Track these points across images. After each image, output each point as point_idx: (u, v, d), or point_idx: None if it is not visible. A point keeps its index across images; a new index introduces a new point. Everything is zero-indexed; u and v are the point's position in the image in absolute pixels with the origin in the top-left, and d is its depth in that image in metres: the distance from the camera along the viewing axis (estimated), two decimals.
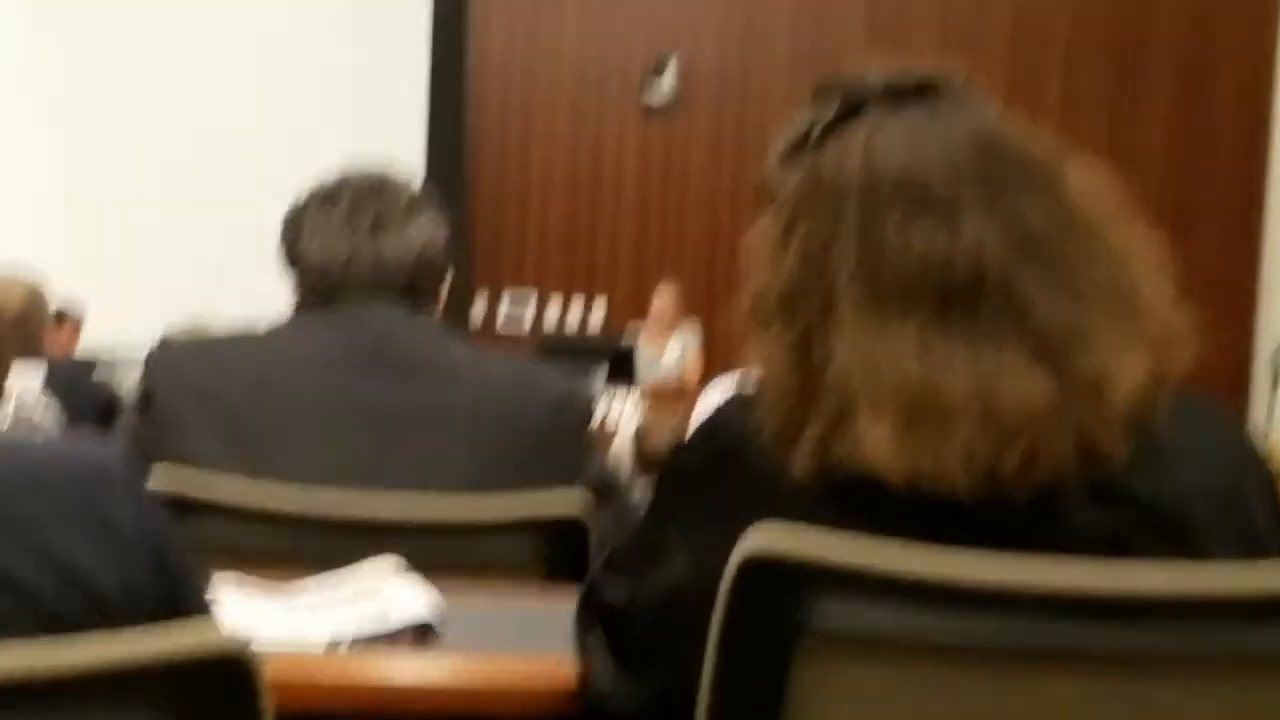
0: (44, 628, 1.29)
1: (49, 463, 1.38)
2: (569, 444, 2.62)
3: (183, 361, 2.58)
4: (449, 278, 2.79)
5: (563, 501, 2.45)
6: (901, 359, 1.55)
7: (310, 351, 2.56)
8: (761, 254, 1.68)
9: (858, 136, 1.67)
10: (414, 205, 2.71)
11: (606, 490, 2.64)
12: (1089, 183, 1.68)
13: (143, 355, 2.68)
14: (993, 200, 1.61)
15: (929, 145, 1.65)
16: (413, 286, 2.68)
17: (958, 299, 1.58)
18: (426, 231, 2.70)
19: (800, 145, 1.73)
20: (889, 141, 1.66)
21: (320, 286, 2.66)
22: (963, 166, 1.63)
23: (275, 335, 2.65)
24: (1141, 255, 1.66)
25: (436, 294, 2.76)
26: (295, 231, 2.70)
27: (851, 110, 1.70)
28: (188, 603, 1.42)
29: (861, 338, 1.57)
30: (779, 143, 1.77)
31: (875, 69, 1.74)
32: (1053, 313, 1.58)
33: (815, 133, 1.71)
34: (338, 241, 2.65)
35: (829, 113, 1.72)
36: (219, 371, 2.54)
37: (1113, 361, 1.57)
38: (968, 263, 1.58)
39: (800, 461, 1.55)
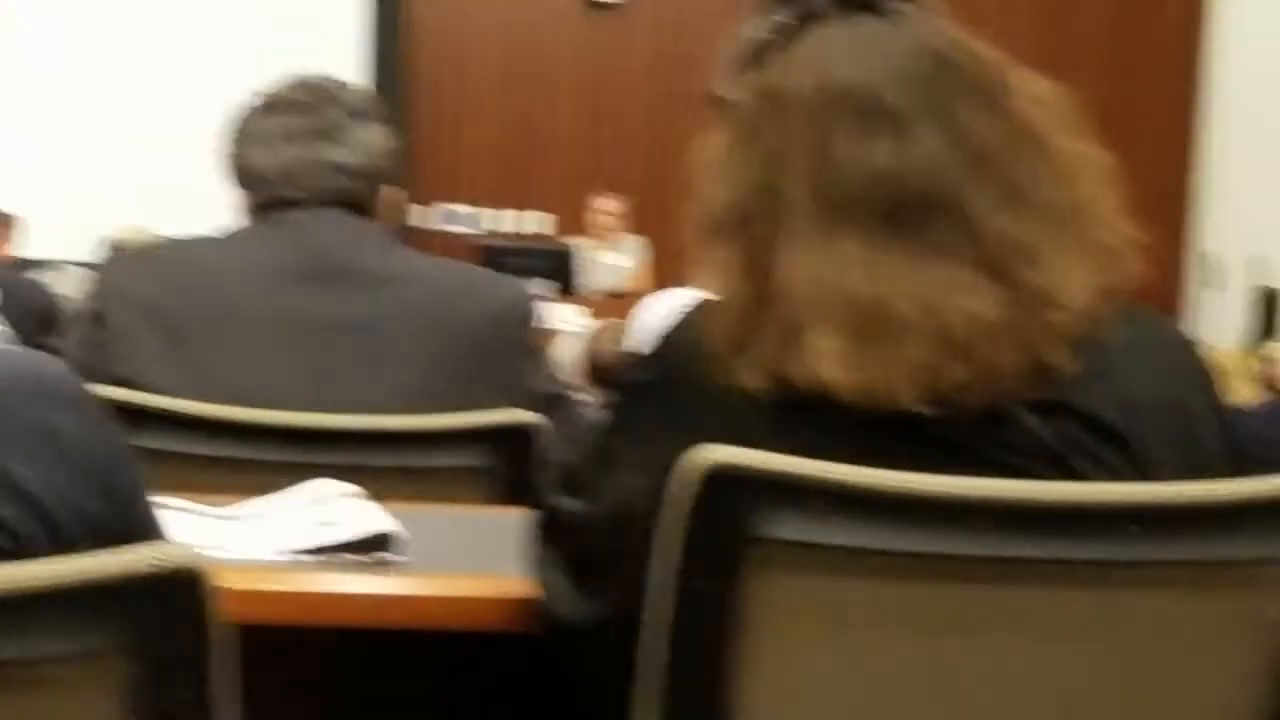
0: None
1: None
2: (513, 351, 2.62)
3: (129, 273, 2.57)
4: (396, 190, 2.76)
5: (509, 410, 2.45)
6: (850, 273, 1.56)
7: (256, 261, 2.55)
8: (711, 166, 1.68)
9: (809, 48, 1.67)
10: (361, 113, 2.69)
11: (553, 400, 2.63)
12: (1036, 96, 1.68)
13: (81, 261, 2.66)
14: (943, 115, 1.62)
15: (880, 58, 1.64)
16: (359, 195, 2.65)
17: (907, 213, 1.58)
18: (373, 139, 2.68)
19: (751, 56, 1.72)
20: (840, 53, 1.65)
21: (265, 195, 2.63)
22: (913, 80, 1.63)
23: (221, 245, 2.64)
24: (1088, 168, 1.67)
25: (383, 203, 2.73)
26: (240, 139, 2.67)
27: (803, 21, 1.69)
28: (136, 518, 1.41)
29: (810, 251, 1.58)
30: (729, 53, 1.76)
31: None
32: (1001, 228, 1.58)
33: (766, 44, 1.70)
34: (283, 149, 2.62)
35: (780, 23, 1.70)
36: (166, 284, 2.52)
37: (1061, 276, 1.58)
38: (917, 177, 1.59)
39: (751, 376, 1.55)
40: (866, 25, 1.68)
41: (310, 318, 2.49)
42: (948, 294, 1.54)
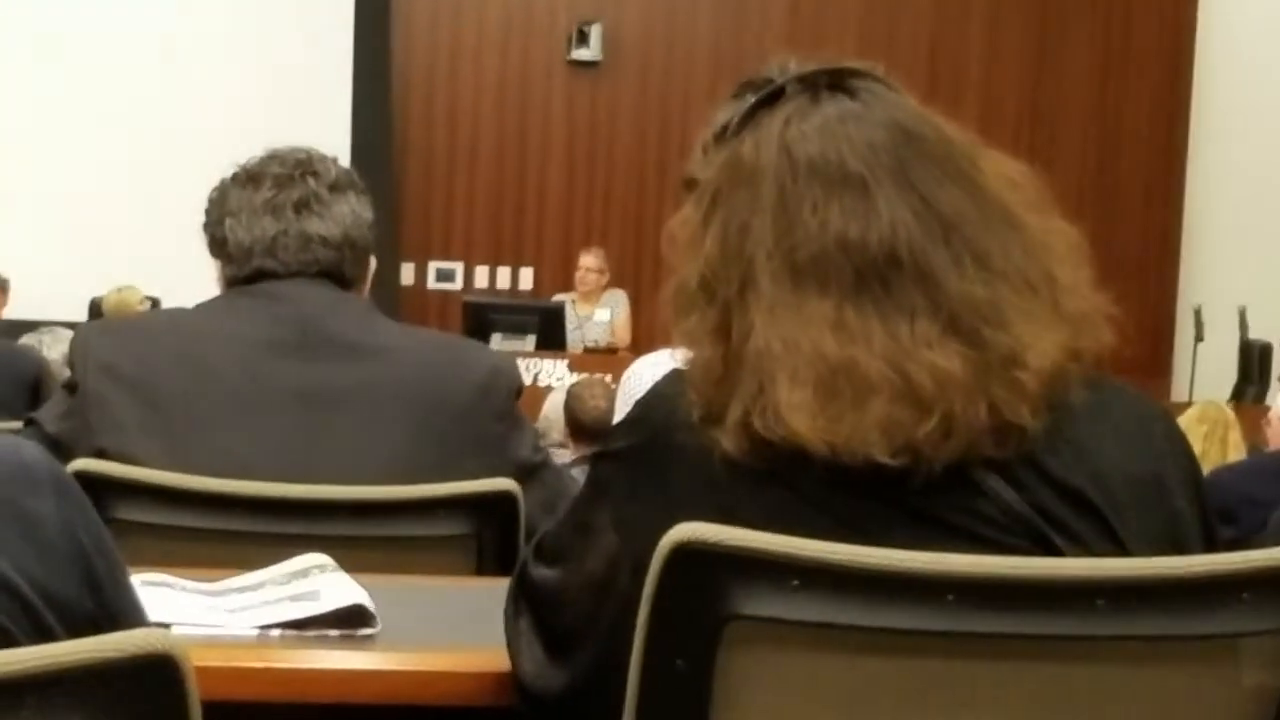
0: None
1: None
2: (496, 421, 2.62)
3: (109, 344, 2.57)
4: (373, 260, 2.78)
5: (493, 479, 2.46)
6: (819, 333, 1.58)
7: (236, 332, 2.56)
8: (683, 241, 1.71)
9: (775, 123, 1.70)
10: (339, 185, 2.70)
11: (534, 468, 2.64)
12: (1006, 172, 1.71)
13: (72, 321, 2.67)
14: (908, 183, 1.65)
15: (846, 131, 1.67)
16: (338, 267, 2.67)
17: (873, 276, 1.60)
18: (352, 211, 2.70)
19: (721, 136, 1.75)
20: (807, 127, 1.68)
21: (246, 267, 2.65)
22: (879, 151, 1.66)
23: (201, 315, 2.65)
24: (1058, 242, 1.69)
25: (363, 274, 2.75)
26: (220, 212, 2.69)
27: (770, 99, 1.72)
28: (115, 602, 1.42)
29: (780, 314, 1.60)
30: (702, 136, 1.79)
31: (795, 61, 1.77)
32: (965, 290, 1.61)
33: (734, 122, 1.73)
34: (263, 222, 2.64)
35: (749, 103, 1.73)
36: (145, 354, 2.53)
37: (1026, 337, 1.60)
38: (882, 242, 1.61)
39: (728, 439, 1.57)
40: (834, 103, 1.70)
41: (291, 388, 2.50)
42: (915, 351, 1.57)
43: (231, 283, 2.68)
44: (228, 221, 2.66)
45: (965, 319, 1.59)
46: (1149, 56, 12.24)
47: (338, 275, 2.66)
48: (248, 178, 2.69)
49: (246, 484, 2.36)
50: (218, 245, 2.69)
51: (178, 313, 2.70)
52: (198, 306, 2.67)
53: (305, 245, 2.63)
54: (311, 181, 2.67)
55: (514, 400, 2.68)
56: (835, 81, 1.73)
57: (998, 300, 1.61)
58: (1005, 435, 1.57)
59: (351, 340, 2.57)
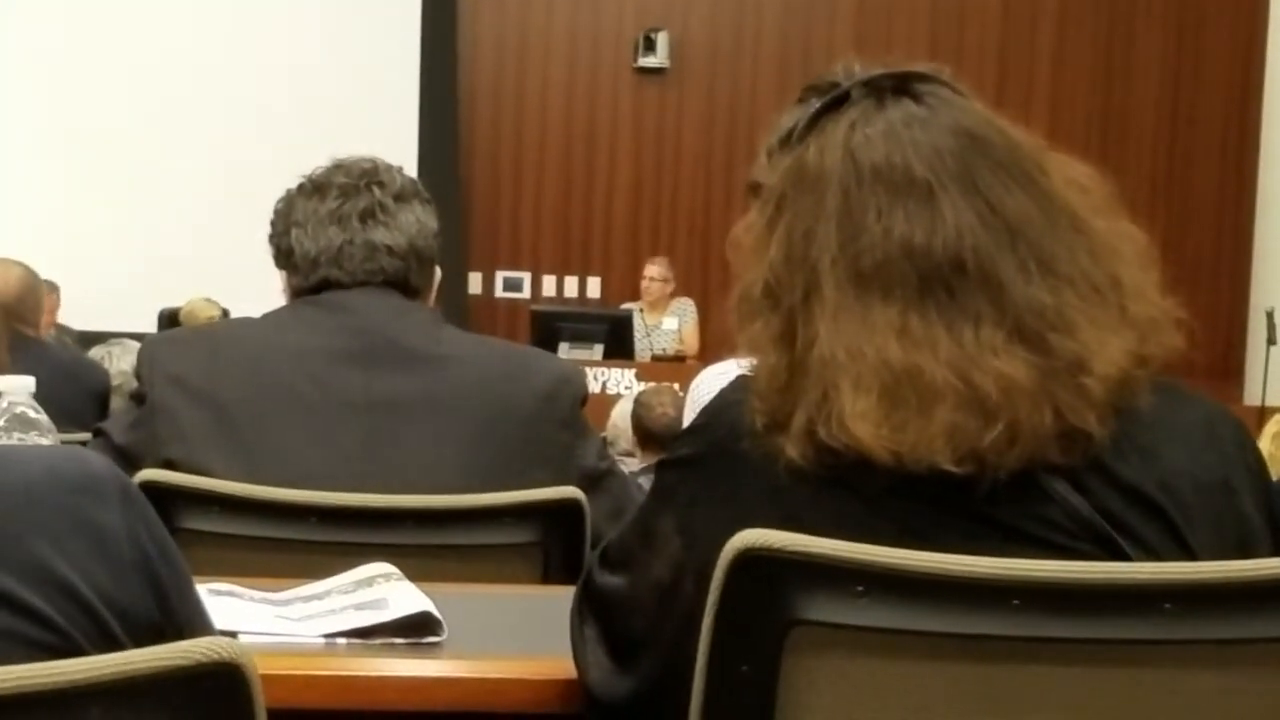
0: (39, 641, 1.30)
1: (37, 474, 1.38)
2: (562, 430, 2.63)
3: (176, 355, 2.59)
4: (438, 272, 2.79)
5: (560, 486, 2.47)
6: (883, 340, 1.58)
7: (302, 342, 2.57)
8: (748, 247, 1.70)
9: (840, 128, 1.69)
10: (404, 195, 2.72)
11: (600, 476, 2.64)
12: (1073, 176, 1.70)
13: (142, 333, 2.69)
14: (973, 188, 1.64)
15: (911, 136, 1.67)
16: (404, 276, 2.68)
17: (938, 282, 1.60)
18: (417, 221, 2.71)
19: (786, 141, 1.74)
20: (871, 132, 1.68)
21: (312, 277, 2.66)
22: (944, 155, 1.65)
23: (268, 325, 2.66)
24: (1126, 246, 1.68)
25: (428, 283, 2.76)
26: (286, 223, 2.70)
27: (835, 104, 1.72)
28: (181, 612, 1.43)
29: (844, 321, 1.60)
30: (767, 141, 1.79)
31: (859, 65, 1.76)
32: (1031, 296, 1.60)
33: (800, 127, 1.73)
34: (329, 232, 2.65)
35: (813, 108, 1.73)
36: (211, 365, 2.55)
37: (1092, 343, 1.59)
38: (947, 247, 1.61)
39: (792, 446, 1.57)
40: (899, 108, 1.70)
41: (358, 397, 2.51)
42: (980, 357, 1.56)
43: (298, 293, 2.70)
44: (294, 232, 2.68)
45: (1031, 325, 1.58)
46: (1220, 60, 12.14)
47: (403, 284, 2.68)
48: (313, 188, 2.71)
49: (313, 493, 2.37)
50: (284, 256, 2.71)
51: (244, 323, 2.72)
52: (264, 316, 2.69)
53: (371, 255, 2.64)
54: (377, 191, 2.69)
55: (579, 408, 2.69)
56: (900, 86, 1.72)
57: (1063, 306, 1.60)
58: (1071, 442, 1.56)
59: (417, 349, 2.59)
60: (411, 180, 2.77)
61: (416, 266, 2.69)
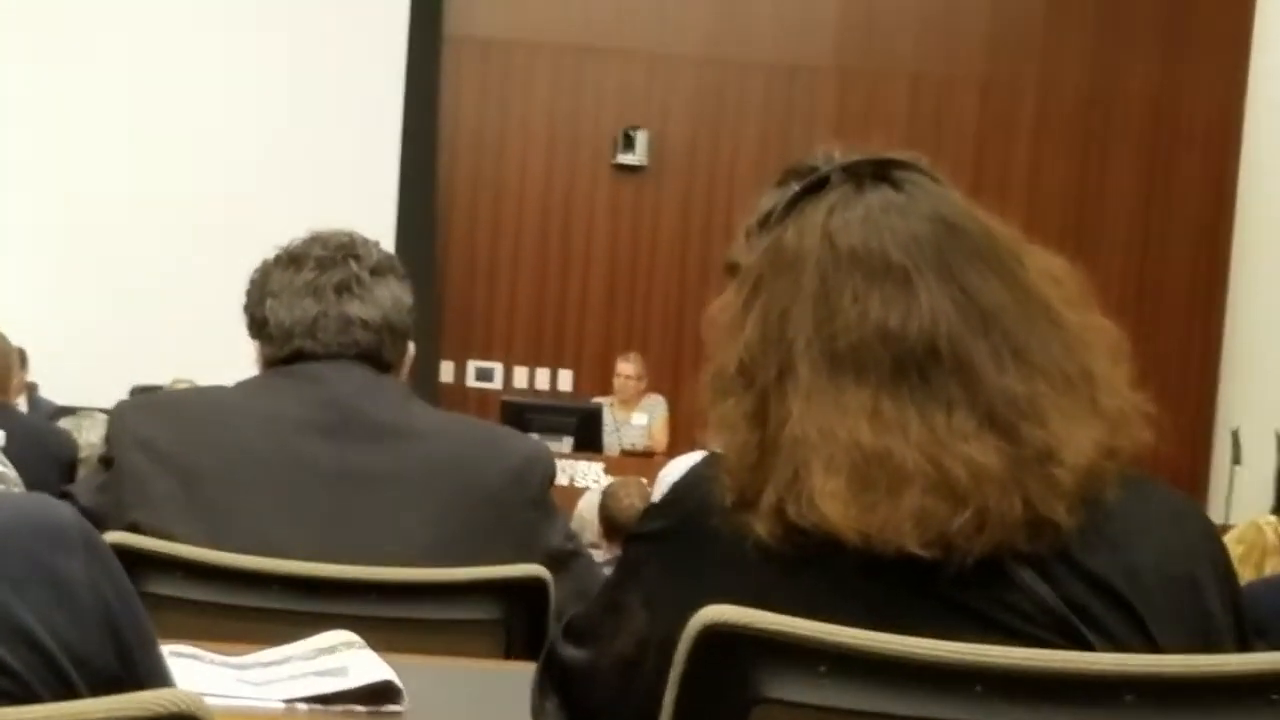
0: None
1: (2, 520, 1.38)
2: (530, 508, 2.62)
3: (145, 419, 2.58)
4: (412, 347, 2.79)
5: (524, 564, 2.46)
6: (855, 422, 1.59)
7: (273, 411, 2.57)
8: (723, 326, 1.71)
9: (819, 211, 1.71)
10: (380, 269, 2.72)
11: (566, 558, 2.63)
12: (1048, 268, 1.71)
13: (108, 408, 2.68)
14: (949, 275, 1.65)
15: (889, 222, 1.68)
16: (377, 350, 2.68)
17: (911, 366, 1.61)
18: (392, 295, 2.71)
19: (765, 222, 1.75)
20: (850, 216, 1.69)
21: (286, 348, 2.66)
22: (921, 242, 1.67)
23: (239, 394, 2.66)
24: (1098, 339, 1.69)
25: (401, 357, 2.76)
26: (261, 293, 2.70)
27: (815, 188, 1.73)
28: (142, 665, 1.42)
29: (817, 401, 1.61)
30: (747, 222, 1.80)
31: (839, 151, 1.77)
32: (1004, 384, 1.61)
33: (779, 209, 1.74)
34: (304, 304, 2.65)
35: (793, 190, 1.74)
36: (181, 431, 2.54)
37: (1062, 433, 1.59)
38: (922, 332, 1.62)
39: (761, 524, 1.57)
40: (878, 194, 1.71)
41: (326, 467, 2.51)
42: (951, 443, 1.57)
43: (270, 363, 2.70)
44: (269, 302, 2.68)
45: (1002, 413, 1.59)
46: (1192, 182, 12.24)
47: (376, 358, 2.67)
48: (290, 259, 2.71)
49: (278, 561, 2.36)
50: (258, 326, 2.70)
51: (215, 390, 2.71)
52: (236, 385, 2.69)
53: (345, 327, 2.64)
54: (353, 264, 2.69)
55: (548, 488, 2.69)
56: (880, 172, 1.74)
57: (1035, 395, 1.61)
58: (1039, 531, 1.56)
59: (387, 423, 2.58)
60: (388, 255, 2.78)
61: (390, 340, 2.69)
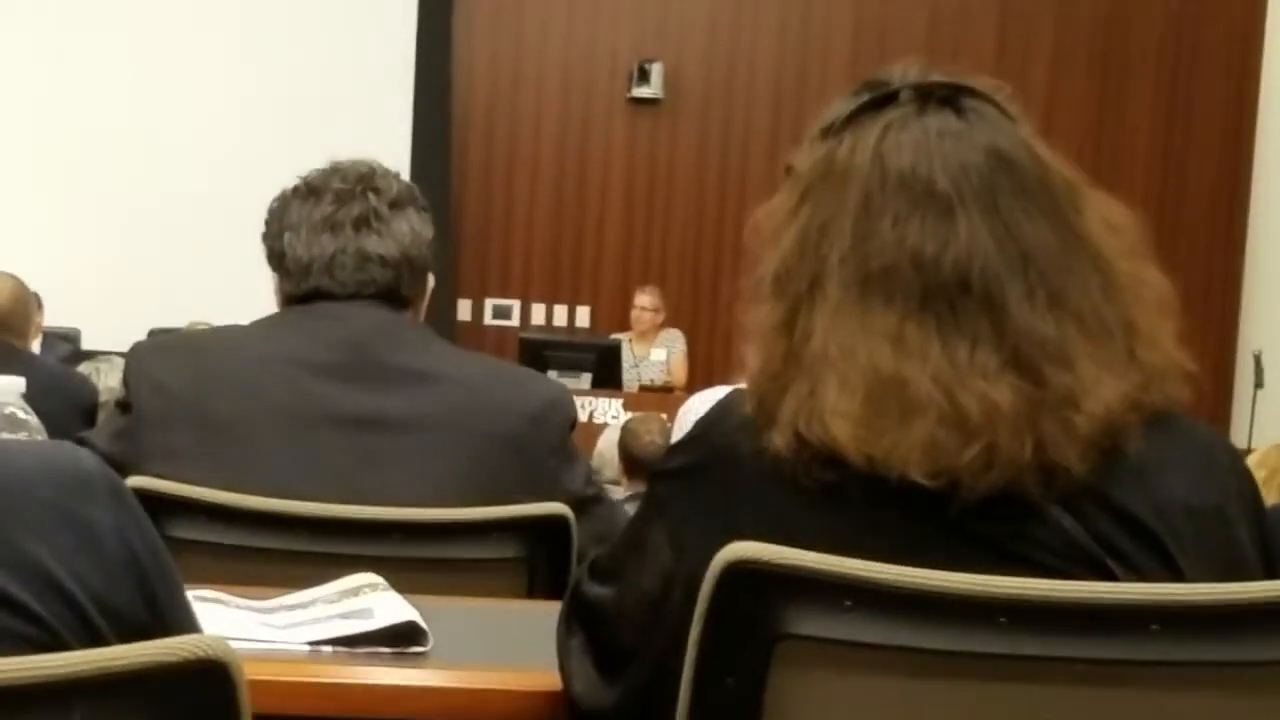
0: (24, 636, 1.29)
1: (27, 469, 1.38)
2: (550, 452, 2.62)
3: (162, 362, 2.58)
4: (431, 279, 2.78)
5: (547, 503, 2.46)
6: (877, 345, 1.58)
7: (291, 356, 2.56)
8: (768, 231, 1.71)
9: (875, 129, 1.69)
10: (399, 202, 2.70)
11: (588, 502, 2.62)
12: (1107, 215, 1.70)
13: (125, 353, 2.67)
14: (993, 209, 1.64)
15: (942, 147, 1.67)
16: (396, 287, 2.67)
17: (941, 297, 1.60)
18: (412, 229, 2.69)
19: (827, 131, 1.74)
20: (904, 137, 1.68)
21: (303, 285, 2.65)
22: (971, 172, 1.65)
23: (256, 337, 2.64)
24: (1147, 291, 1.68)
25: (421, 291, 2.75)
26: (279, 225, 2.69)
27: (881, 102, 1.72)
28: (169, 612, 1.43)
29: (842, 319, 1.61)
30: (813, 126, 1.78)
31: (917, 68, 1.76)
32: (1033, 325, 1.60)
33: (840, 119, 1.73)
34: (321, 239, 2.64)
35: (859, 103, 1.73)
36: (198, 376, 2.54)
37: (1088, 380, 1.58)
38: (957, 264, 1.61)
39: (779, 435, 1.58)
40: (940, 118, 1.70)
41: (343, 415, 2.50)
42: (968, 378, 1.56)
43: (288, 299, 2.68)
44: (287, 236, 2.67)
45: (1028, 353, 1.58)
46: (1212, 103, 12.17)
47: (394, 295, 2.66)
48: (308, 190, 2.70)
49: (301, 504, 2.36)
50: (276, 258, 2.68)
51: (232, 332, 2.69)
52: (253, 325, 2.68)
53: (362, 264, 2.63)
54: (371, 198, 2.67)
55: (568, 433, 2.68)
56: (949, 96, 1.72)
57: (1065, 340, 1.60)
58: (1050, 475, 1.56)
59: (406, 366, 2.57)
60: (408, 186, 2.76)
61: (409, 276, 2.68)
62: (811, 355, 1.60)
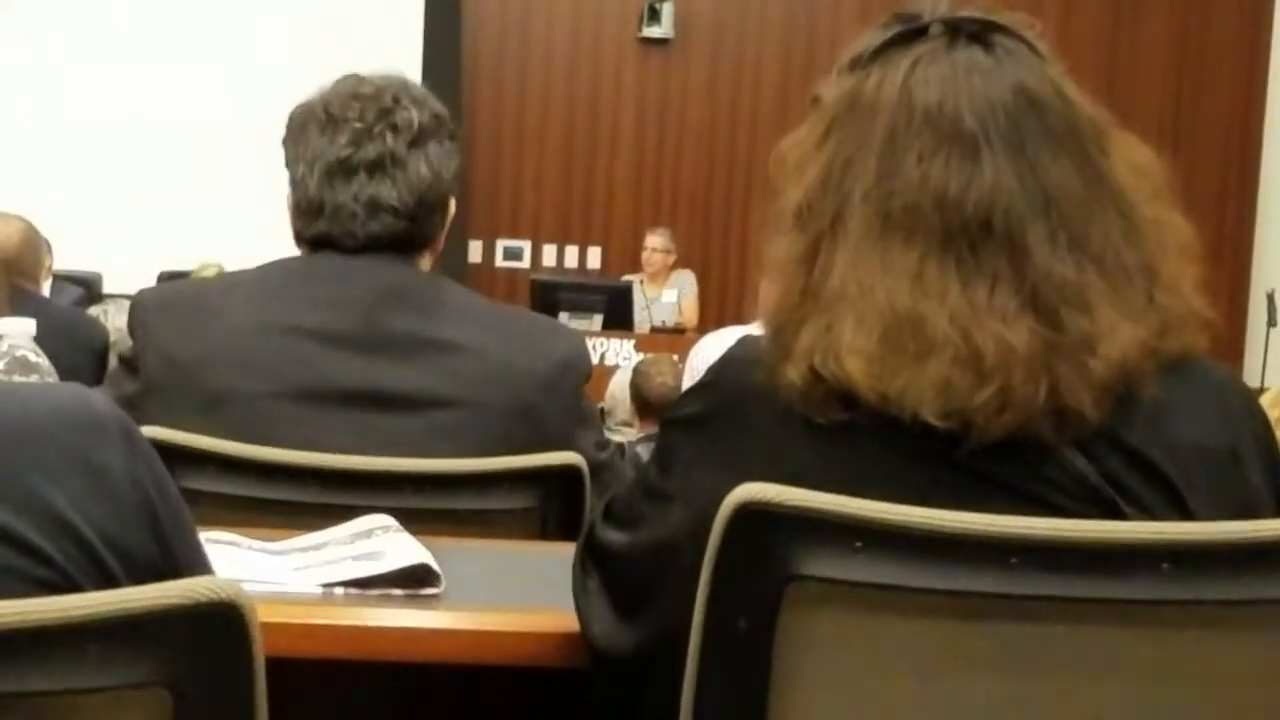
0: (36, 578, 1.30)
1: (39, 412, 1.38)
2: (563, 424, 2.58)
3: (167, 328, 2.53)
4: (453, 204, 2.69)
5: (561, 453, 2.46)
6: (895, 283, 1.58)
7: (298, 323, 2.50)
8: (792, 163, 1.70)
9: (903, 63, 1.68)
10: (420, 138, 2.61)
11: (599, 468, 2.58)
12: (1134, 159, 1.69)
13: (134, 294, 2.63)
14: (1018, 149, 1.63)
15: (970, 84, 1.65)
16: (408, 236, 2.60)
17: (962, 237, 1.60)
18: (430, 169, 2.61)
19: (855, 63, 1.73)
20: (932, 72, 1.66)
21: (311, 229, 2.60)
22: (998, 110, 1.64)
23: (263, 298, 2.57)
24: (1170, 237, 1.67)
25: (438, 230, 2.67)
26: (295, 151, 2.63)
27: (910, 36, 1.70)
28: (181, 554, 1.43)
29: (862, 256, 1.60)
30: (841, 57, 1.77)
31: (947, 2, 1.74)
32: (1054, 267, 1.59)
33: (869, 52, 1.72)
34: (334, 184, 2.57)
35: (889, 35, 1.72)
36: (204, 344, 2.50)
37: (1106, 325, 1.58)
38: (979, 204, 1.60)
39: (793, 369, 1.58)
40: (969, 54, 1.68)
41: (354, 389, 2.47)
42: (986, 319, 1.56)
43: (298, 236, 2.64)
44: (300, 167, 2.60)
45: (1047, 296, 1.58)
46: (1226, 41, 12.12)
47: (407, 244, 2.61)
48: (328, 119, 2.61)
49: (313, 455, 2.35)
50: (290, 179, 2.63)
51: (240, 289, 2.61)
52: (259, 281, 2.60)
53: (374, 213, 2.56)
54: (389, 139, 2.59)
55: (581, 395, 2.65)
56: (979, 32, 1.70)
57: (1085, 284, 1.59)
58: (1063, 419, 1.55)
59: (416, 334, 2.52)
60: (433, 115, 2.66)
61: (424, 218, 2.61)
62: (830, 291, 1.59)
